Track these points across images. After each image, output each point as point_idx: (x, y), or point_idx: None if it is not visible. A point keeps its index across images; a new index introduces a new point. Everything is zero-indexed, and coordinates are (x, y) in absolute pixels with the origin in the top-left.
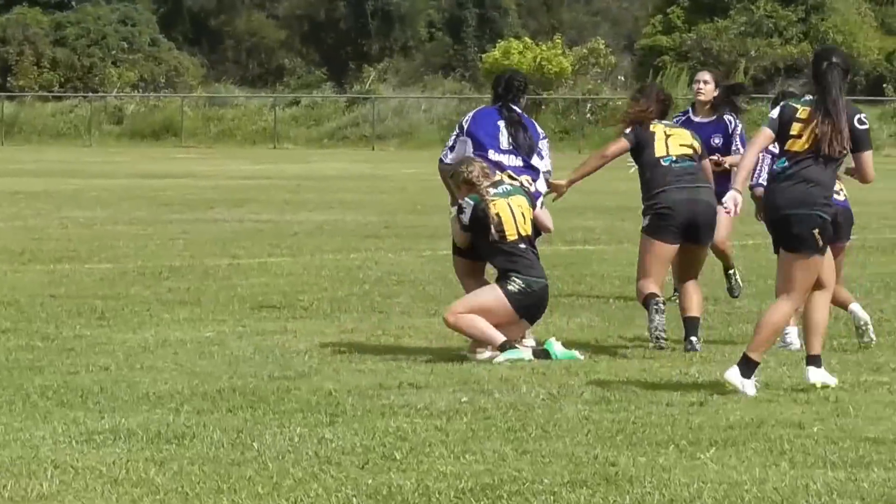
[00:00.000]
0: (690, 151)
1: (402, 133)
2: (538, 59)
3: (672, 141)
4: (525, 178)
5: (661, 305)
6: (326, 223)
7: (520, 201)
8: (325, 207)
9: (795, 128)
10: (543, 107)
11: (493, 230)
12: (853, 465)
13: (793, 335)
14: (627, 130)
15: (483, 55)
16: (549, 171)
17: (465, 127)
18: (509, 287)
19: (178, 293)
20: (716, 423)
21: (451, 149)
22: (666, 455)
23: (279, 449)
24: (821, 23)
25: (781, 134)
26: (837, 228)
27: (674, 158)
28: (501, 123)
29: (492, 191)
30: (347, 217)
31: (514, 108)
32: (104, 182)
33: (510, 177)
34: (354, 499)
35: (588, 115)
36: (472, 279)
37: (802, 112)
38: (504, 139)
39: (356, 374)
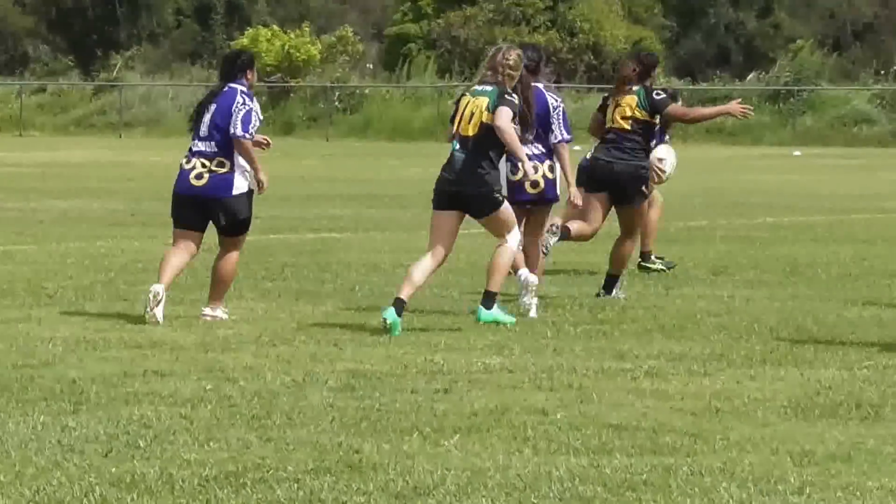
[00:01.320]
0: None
1: (150, 121)
2: (286, 47)
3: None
4: (217, 161)
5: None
6: (72, 211)
7: (479, 101)
8: (71, 195)
9: None
10: (292, 94)
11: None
12: (596, 451)
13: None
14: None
15: (231, 43)
16: (244, 135)
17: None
18: None
19: None
20: (460, 411)
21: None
22: (410, 442)
23: (22, 437)
24: (568, 11)
25: None
26: None
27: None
28: (211, 107)
29: (476, 88)
30: (93, 205)
31: (236, 85)
32: None
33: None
34: (97, 487)
35: (336, 102)
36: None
37: None
38: (204, 126)
39: (101, 362)
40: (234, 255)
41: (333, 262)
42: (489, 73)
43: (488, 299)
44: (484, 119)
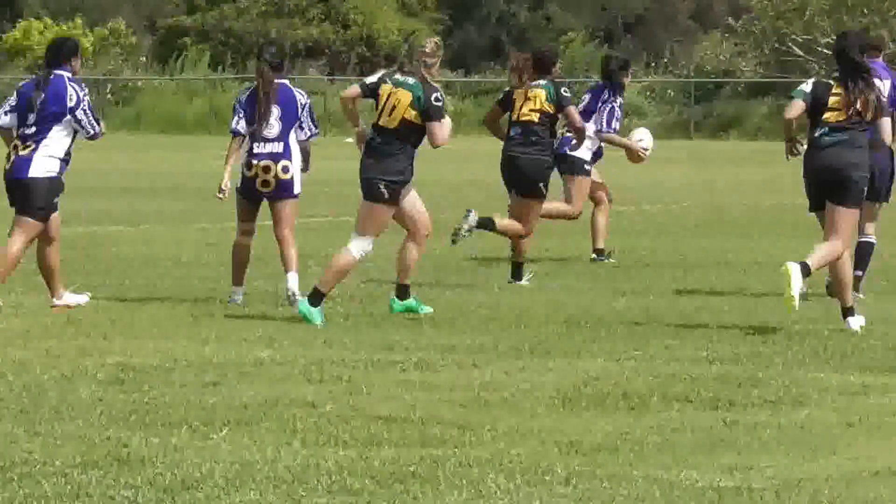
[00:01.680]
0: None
1: None
2: None
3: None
4: (25, 144)
5: None
6: None
7: (401, 94)
8: None
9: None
10: None
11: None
12: (365, 443)
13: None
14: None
15: (3, 35)
16: (102, 131)
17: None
18: None
19: None
20: (230, 403)
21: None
22: (179, 435)
23: None
24: (341, 4)
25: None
26: None
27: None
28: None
29: (397, 76)
30: None
31: (62, 72)
32: None
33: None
34: None
35: (109, 95)
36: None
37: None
38: (32, 115)
39: None
40: (18, 242)
41: (105, 256)
42: (406, 61)
43: (315, 297)
44: (407, 116)
